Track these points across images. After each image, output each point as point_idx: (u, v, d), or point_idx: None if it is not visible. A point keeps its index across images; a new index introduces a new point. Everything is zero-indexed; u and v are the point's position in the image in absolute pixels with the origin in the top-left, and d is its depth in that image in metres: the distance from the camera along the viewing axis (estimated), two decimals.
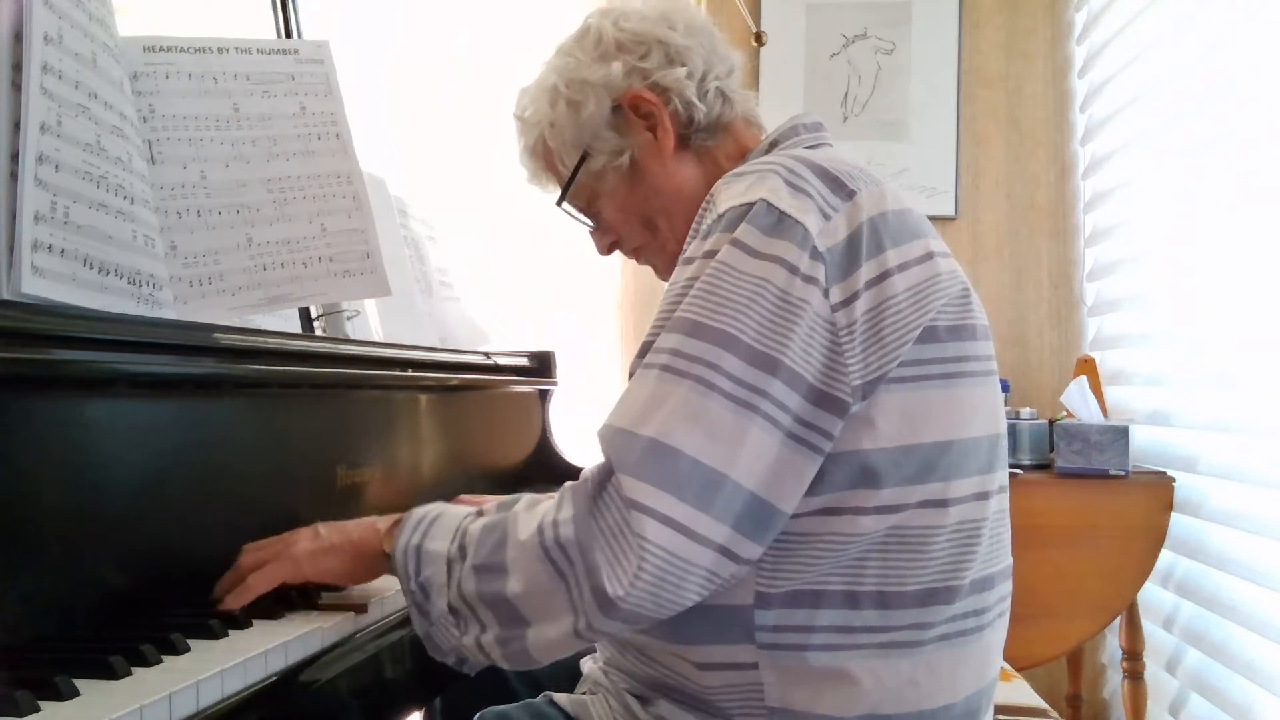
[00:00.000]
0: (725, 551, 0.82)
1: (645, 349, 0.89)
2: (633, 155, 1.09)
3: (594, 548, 0.82)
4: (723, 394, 0.82)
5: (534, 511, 0.88)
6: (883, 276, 0.87)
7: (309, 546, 0.98)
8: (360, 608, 0.97)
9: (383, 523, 0.98)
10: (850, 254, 0.87)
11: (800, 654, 0.88)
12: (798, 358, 0.84)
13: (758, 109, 1.15)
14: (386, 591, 1.02)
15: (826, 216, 0.87)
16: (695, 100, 1.07)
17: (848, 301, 0.85)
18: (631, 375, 0.90)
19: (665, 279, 1.18)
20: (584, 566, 0.82)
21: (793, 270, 0.85)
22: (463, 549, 0.89)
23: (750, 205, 0.87)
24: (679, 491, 0.81)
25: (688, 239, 0.97)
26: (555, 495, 0.88)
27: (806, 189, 0.88)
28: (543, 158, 1.16)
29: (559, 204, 1.16)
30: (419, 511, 0.95)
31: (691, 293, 0.87)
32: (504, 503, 0.92)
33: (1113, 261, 2.69)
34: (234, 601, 0.92)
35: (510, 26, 2.99)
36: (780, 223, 0.86)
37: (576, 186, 1.13)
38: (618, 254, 1.20)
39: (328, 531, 0.99)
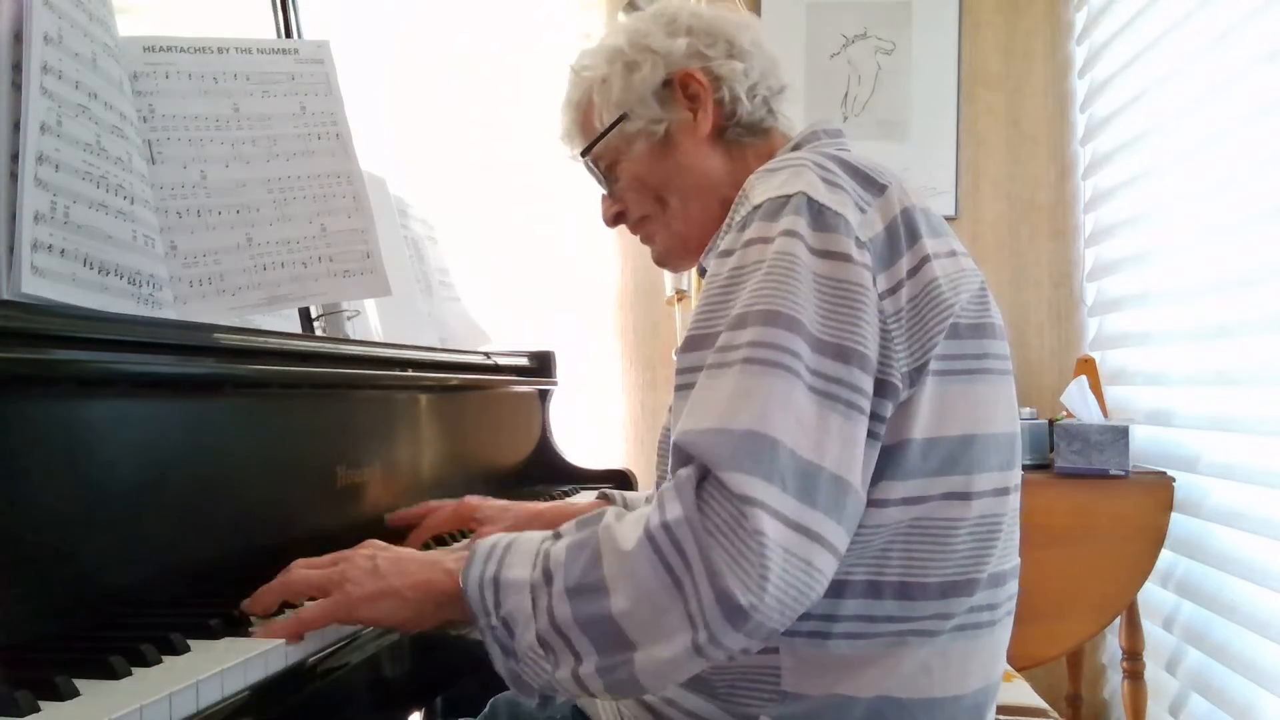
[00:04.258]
0: (836, 552, 0.79)
1: (700, 342, 0.86)
2: (668, 128, 1.11)
3: (711, 546, 0.75)
4: (806, 384, 0.80)
5: (629, 520, 0.82)
6: (922, 263, 0.88)
7: (370, 588, 0.87)
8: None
9: (452, 561, 0.88)
10: (891, 244, 0.88)
11: (822, 642, 0.89)
12: (868, 344, 0.83)
13: (796, 132, 1.15)
14: None
15: (862, 210, 0.89)
16: (743, 97, 1.10)
17: (894, 290, 0.87)
18: (687, 370, 0.87)
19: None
20: (704, 570, 0.75)
21: (848, 258, 0.85)
22: (548, 573, 0.81)
23: (789, 197, 0.88)
24: (783, 484, 0.77)
25: (720, 232, 0.97)
26: (646, 505, 0.83)
27: (840, 184, 0.90)
28: (582, 111, 1.18)
29: (583, 155, 1.18)
30: (486, 541, 0.87)
31: (756, 282, 0.84)
32: (585, 519, 0.86)
33: (1113, 261, 2.69)
34: (284, 630, 0.85)
35: (510, 26, 2.99)
36: (823, 215, 0.87)
37: (605, 145, 1.15)
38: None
39: (389, 568, 0.88)
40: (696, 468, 0.79)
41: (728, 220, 0.96)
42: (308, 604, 0.88)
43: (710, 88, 1.10)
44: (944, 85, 2.93)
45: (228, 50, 1.26)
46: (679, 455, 0.81)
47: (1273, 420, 1.85)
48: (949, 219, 2.89)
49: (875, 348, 0.84)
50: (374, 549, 0.92)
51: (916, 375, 0.86)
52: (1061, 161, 2.94)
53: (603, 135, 1.14)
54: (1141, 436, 2.41)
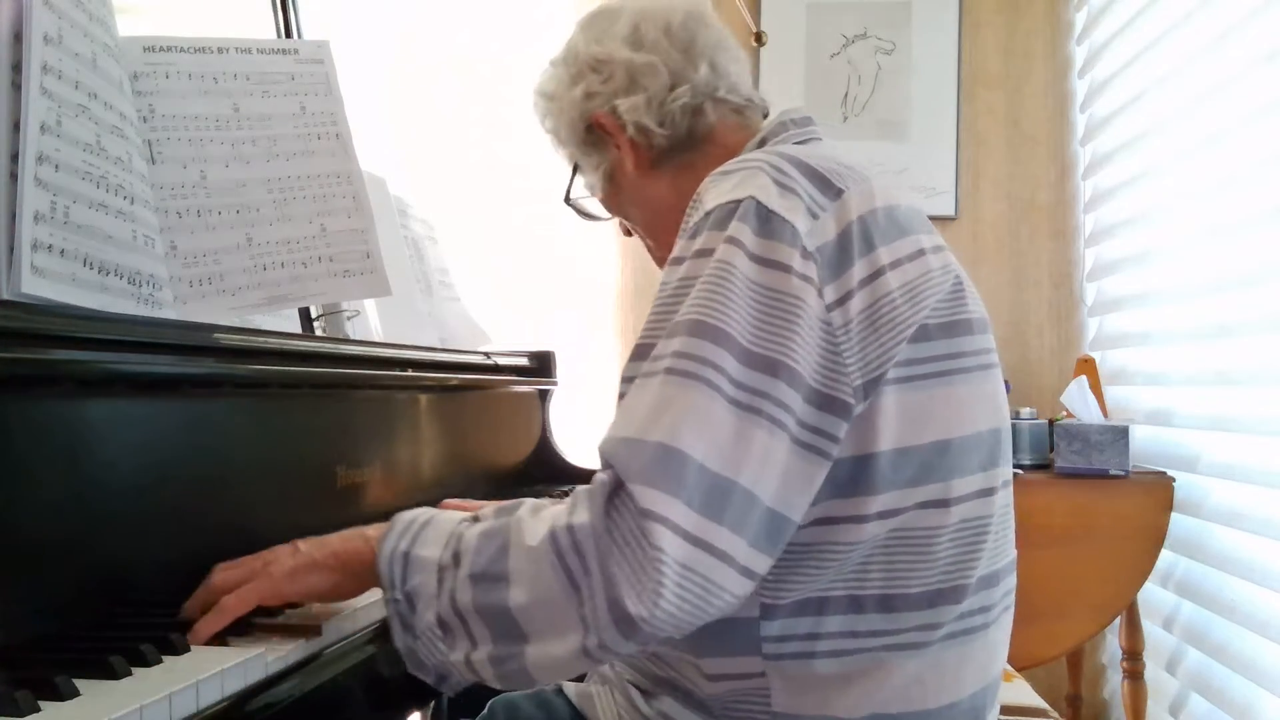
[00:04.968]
0: (744, 570, 0.78)
1: (642, 351, 0.86)
2: (606, 170, 1.14)
3: (610, 559, 0.76)
4: (726, 398, 0.79)
5: (541, 516, 0.82)
6: (876, 275, 0.85)
7: (289, 564, 0.89)
8: (315, 629, 0.89)
9: (373, 530, 0.90)
10: (841, 253, 0.85)
11: (807, 661, 0.87)
12: (799, 359, 0.81)
13: (753, 94, 1.13)
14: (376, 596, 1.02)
15: (815, 216, 0.85)
16: (652, 126, 1.08)
17: (842, 301, 0.83)
18: (626, 379, 0.87)
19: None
20: (601, 578, 0.76)
21: (787, 269, 0.82)
22: (457, 556, 0.83)
23: (739, 202, 0.85)
24: (689, 499, 0.76)
25: (678, 237, 0.96)
26: (562, 500, 0.83)
27: (794, 187, 0.86)
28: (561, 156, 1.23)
29: (566, 202, 1.24)
30: (406, 515, 0.89)
31: (693, 293, 0.83)
32: (503, 508, 0.86)
33: (1113, 261, 2.69)
34: (207, 627, 0.83)
35: (510, 27, 2.99)
36: (770, 221, 0.84)
37: (578, 191, 1.21)
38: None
39: (308, 547, 0.91)
40: (612, 476, 0.79)
41: (683, 223, 0.93)
42: (227, 596, 0.86)
43: (619, 126, 1.09)
44: (944, 85, 2.93)
45: (228, 50, 1.26)
46: (600, 460, 0.82)
47: (1273, 420, 1.85)
48: (949, 219, 2.89)
49: (809, 363, 0.81)
50: (296, 541, 0.93)
51: (872, 387, 0.83)
52: (1061, 161, 2.94)
53: (570, 187, 1.20)
54: (1141, 436, 2.41)
